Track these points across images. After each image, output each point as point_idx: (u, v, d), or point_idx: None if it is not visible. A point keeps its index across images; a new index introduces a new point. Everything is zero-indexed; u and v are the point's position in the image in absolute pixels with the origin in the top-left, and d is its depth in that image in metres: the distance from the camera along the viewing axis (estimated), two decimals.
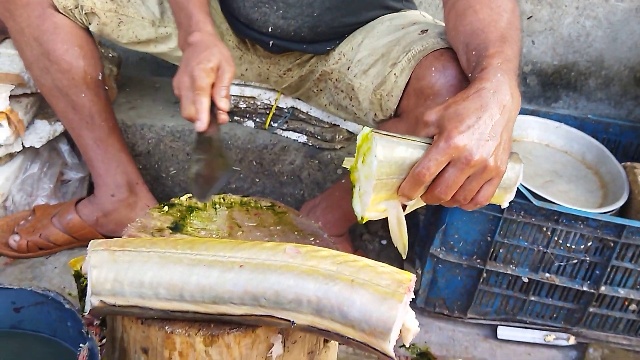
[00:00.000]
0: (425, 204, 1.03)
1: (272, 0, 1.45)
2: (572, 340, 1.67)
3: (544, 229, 1.53)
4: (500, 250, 1.58)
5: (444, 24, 1.33)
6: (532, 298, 1.63)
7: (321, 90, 1.61)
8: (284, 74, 1.65)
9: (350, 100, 1.49)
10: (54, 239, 1.73)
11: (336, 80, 1.52)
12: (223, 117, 1.23)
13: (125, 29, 1.55)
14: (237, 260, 0.98)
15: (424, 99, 1.24)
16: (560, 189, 1.75)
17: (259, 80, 1.73)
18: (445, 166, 0.95)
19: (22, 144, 1.78)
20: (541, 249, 1.56)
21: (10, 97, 1.70)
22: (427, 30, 1.36)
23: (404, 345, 1.61)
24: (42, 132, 1.81)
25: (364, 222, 1.03)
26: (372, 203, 0.99)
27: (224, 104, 1.22)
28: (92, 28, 1.53)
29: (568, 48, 2.24)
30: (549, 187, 1.74)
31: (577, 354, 1.67)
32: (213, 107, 1.22)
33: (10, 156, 1.79)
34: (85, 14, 1.49)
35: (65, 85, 1.53)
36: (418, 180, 0.95)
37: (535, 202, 1.48)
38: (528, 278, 1.60)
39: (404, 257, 1.05)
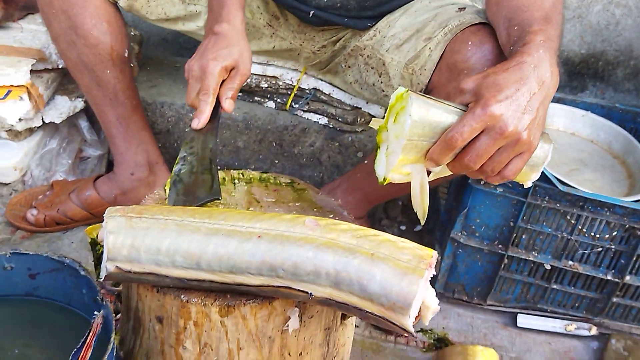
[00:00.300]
0: (449, 173, 1.01)
1: None
2: (594, 331, 1.63)
3: (569, 215, 1.50)
4: (523, 236, 1.55)
5: (482, 7, 1.31)
6: (554, 286, 1.60)
7: (349, 66, 1.58)
8: (318, 51, 1.62)
9: (380, 77, 1.46)
10: (71, 214, 1.72)
11: (368, 56, 1.50)
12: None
13: (154, 5, 1.54)
14: (256, 230, 0.96)
15: (458, 73, 1.22)
16: (586, 178, 1.71)
17: (288, 57, 1.70)
18: (478, 135, 0.94)
19: (42, 119, 1.78)
20: (565, 235, 1.53)
21: (31, 71, 1.70)
22: (464, 8, 1.34)
23: (421, 330, 1.58)
24: (62, 108, 1.81)
25: (385, 184, 1.01)
26: (398, 164, 0.97)
27: (228, 105, 1.20)
28: (121, 3, 1.51)
29: (596, 37, 2.19)
30: (574, 176, 1.70)
31: (598, 345, 1.63)
32: (217, 105, 1.20)
33: (30, 131, 1.79)
34: None
35: (91, 60, 1.52)
36: (449, 144, 0.94)
37: (560, 187, 1.44)
38: (550, 265, 1.56)
39: (422, 223, 1.04)
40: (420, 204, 1.02)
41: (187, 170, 1.16)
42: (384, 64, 1.44)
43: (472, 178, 1.10)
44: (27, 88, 1.69)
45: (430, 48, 1.32)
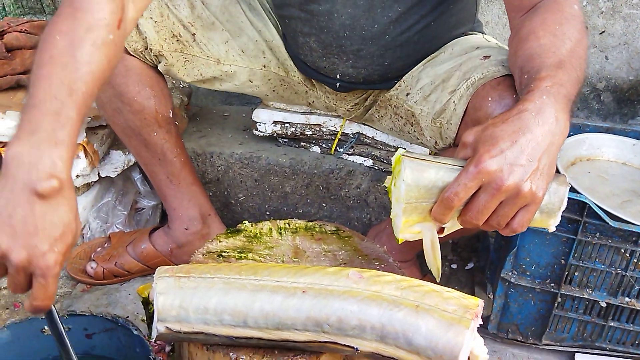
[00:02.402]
0: (462, 226, 1.00)
1: (342, 52, 1.47)
2: None
3: (622, 250, 1.46)
4: (576, 274, 1.52)
5: (507, 48, 1.31)
6: (612, 324, 1.55)
7: (382, 116, 1.62)
8: (352, 108, 1.67)
9: (412, 126, 1.48)
10: (128, 267, 1.77)
11: (395, 106, 1.52)
12: None
13: (190, 67, 1.58)
14: (300, 285, 0.98)
15: None
16: None
17: (326, 111, 1.75)
18: (477, 191, 0.93)
19: (99, 173, 1.85)
20: (619, 271, 1.49)
21: (87, 129, 1.78)
22: (489, 56, 1.33)
23: None
24: (117, 162, 1.88)
25: (399, 243, 1.02)
26: (403, 225, 0.98)
27: None
28: (160, 68, 1.57)
29: None
30: (628, 207, 1.66)
31: None
32: None
33: (88, 186, 1.86)
34: (154, 55, 1.54)
35: (138, 125, 1.57)
36: (447, 205, 0.94)
37: (611, 222, 1.42)
38: (606, 302, 1.52)
39: (438, 280, 1.04)
40: (433, 261, 1.02)
41: None
42: (413, 115, 1.46)
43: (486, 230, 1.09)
44: (84, 146, 1.75)
45: (454, 102, 1.32)
